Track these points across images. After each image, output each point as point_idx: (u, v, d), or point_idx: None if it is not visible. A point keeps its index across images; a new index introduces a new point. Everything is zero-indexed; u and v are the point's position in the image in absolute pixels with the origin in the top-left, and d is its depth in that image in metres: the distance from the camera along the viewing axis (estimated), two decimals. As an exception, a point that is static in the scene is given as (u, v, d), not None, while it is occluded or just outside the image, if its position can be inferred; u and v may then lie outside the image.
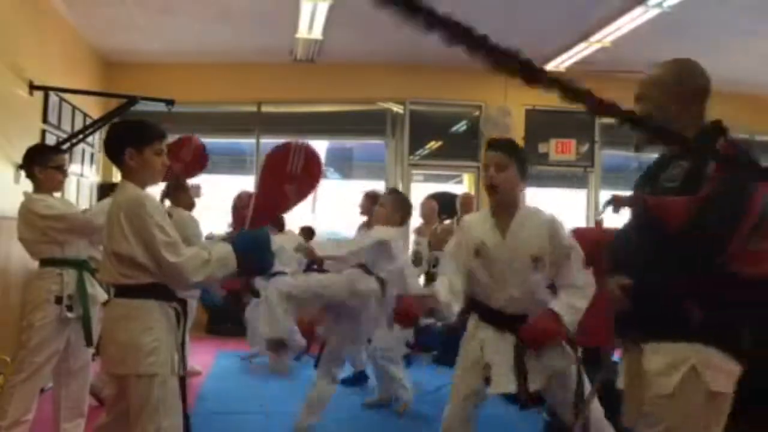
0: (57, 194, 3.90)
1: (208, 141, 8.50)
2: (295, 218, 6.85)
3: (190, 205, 5.37)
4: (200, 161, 4.68)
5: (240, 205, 6.27)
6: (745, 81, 8.82)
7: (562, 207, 7.83)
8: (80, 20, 6.93)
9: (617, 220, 2.32)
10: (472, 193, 8.72)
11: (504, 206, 2.97)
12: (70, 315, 3.57)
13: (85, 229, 3.59)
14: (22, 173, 3.80)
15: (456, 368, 3.02)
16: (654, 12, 6.48)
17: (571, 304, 2.84)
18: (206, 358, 6.55)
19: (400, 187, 9.03)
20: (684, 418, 1.88)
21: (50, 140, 5.96)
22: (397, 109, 9.12)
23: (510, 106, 8.91)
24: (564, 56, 8.07)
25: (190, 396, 3.21)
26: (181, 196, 5.23)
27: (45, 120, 6.04)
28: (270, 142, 9.32)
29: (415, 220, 6.84)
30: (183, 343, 2.66)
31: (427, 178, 9.89)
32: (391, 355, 5.03)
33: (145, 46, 7.89)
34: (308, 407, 4.10)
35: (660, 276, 1.93)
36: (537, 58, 8.27)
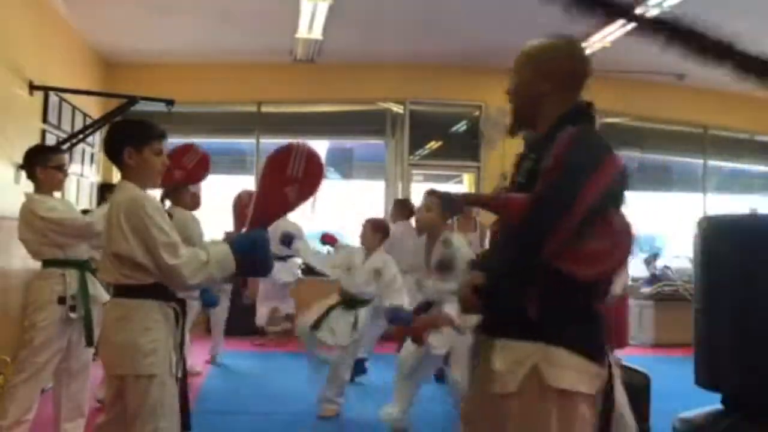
0: (57, 194, 3.90)
1: (208, 141, 8.54)
2: (298, 218, 6.85)
3: (194, 205, 5.37)
4: (202, 169, 4.69)
5: (240, 205, 6.27)
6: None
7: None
8: (80, 20, 6.93)
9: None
10: (472, 193, 8.72)
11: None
12: (73, 315, 3.58)
13: (84, 234, 3.60)
14: (23, 173, 3.80)
15: None
16: (654, 12, 6.47)
17: None
18: (206, 358, 6.55)
19: (400, 187, 9.04)
20: (528, 417, 1.79)
21: (50, 140, 5.96)
22: (397, 109, 9.12)
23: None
24: (564, 56, 8.06)
25: (189, 396, 3.21)
26: (182, 196, 5.22)
27: (45, 120, 6.04)
28: (270, 142, 9.33)
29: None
30: (182, 343, 2.66)
31: (427, 178, 9.88)
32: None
33: (145, 46, 7.89)
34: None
35: (503, 273, 1.85)
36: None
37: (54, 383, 3.79)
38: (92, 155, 7.57)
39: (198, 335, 6.82)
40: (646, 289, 8.60)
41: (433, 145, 9.42)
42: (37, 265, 3.73)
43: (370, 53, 8.24)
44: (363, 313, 4.81)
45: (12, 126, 5.26)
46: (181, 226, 4.00)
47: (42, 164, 3.65)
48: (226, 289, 6.26)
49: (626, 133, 9.65)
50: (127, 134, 2.66)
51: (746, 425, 3.60)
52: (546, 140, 1.88)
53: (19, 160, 3.84)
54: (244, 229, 2.64)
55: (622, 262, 1.85)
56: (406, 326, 3.98)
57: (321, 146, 9.67)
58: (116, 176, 2.76)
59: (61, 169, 3.73)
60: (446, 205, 2.36)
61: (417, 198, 8.45)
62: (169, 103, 5.84)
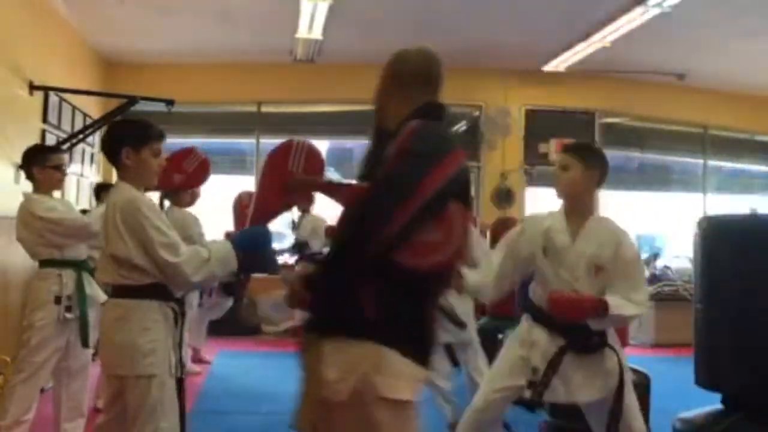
0: (57, 194, 3.89)
1: (208, 141, 8.55)
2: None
3: (192, 200, 5.36)
4: (202, 173, 4.69)
5: (240, 205, 6.27)
6: (745, 81, 8.83)
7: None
8: (80, 20, 6.93)
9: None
10: (472, 193, 8.71)
11: (575, 210, 2.93)
12: (69, 316, 3.57)
13: (81, 234, 3.59)
14: (23, 173, 3.80)
15: (499, 361, 3.01)
16: (654, 12, 6.47)
17: (620, 306, 2.75)
18: (206, 358, 6.55)
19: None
20: (358, 426, 1.71)
21: (50, 140, 5.96)
22: (397, 109, 9.10)
23: (510, 106, 8.91)
24: (564, 56, 8.07)
25: (189, 396, 3.22)
26: (181, 196, 5.22)
27: (45, 120, 6.04)
28: (270, 142, 9.32)
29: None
30: (180, 343, 2.66)
31: (427, 178, 9.87)
32: None
33: (145, 46, 7.89)
34: None
35: (336, 265, 1.77)
36: (537, 58, 8.30)
37: (54, 383, 3.79)
38: (92, 155, 7.57)
39: (198, 335, 6.82)
40: (646, 289, 8.59)
41: (433, 145, 9.40)
42: (36, 265, 3.73)
43: (370, 53, 8.18)
44: None
45: (12, 126, 5.26)
46: (180, 225, 4.01)
47: (40, 164, 3.65)
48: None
49: (626, 133, 9.66)
50: (126, 134, 2.66)
51: (746, 425, 3.59)
52: (393, 135, 1.86)
53: (19, 160, 3.83)
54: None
55: (455, 255, 1.78)
56: None
57: (321, 146, 9.65)
58: (116, 176, 2.76)
59: (60, 169, 3.72)
60: (292, 188, 2.34)
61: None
62: (169, 103, 5.84)
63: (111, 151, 2.65)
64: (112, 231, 2.50)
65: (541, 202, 8.78)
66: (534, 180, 9.15)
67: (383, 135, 1.95)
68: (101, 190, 5.33)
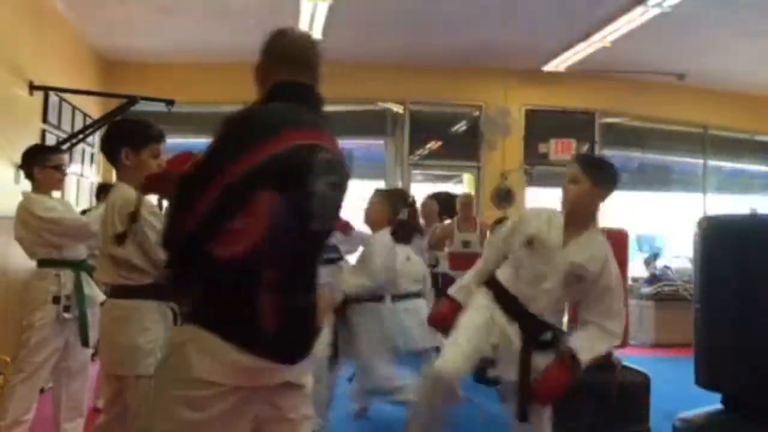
0: (57, 194, 3.89)
1: (208, 141, 8.53)
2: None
3: None
4: None
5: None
6: (745, 81, 8.83)
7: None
8: (80, 20, 6.93)
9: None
10: (472, 193, 8.71)
11: (576, 219, 2.93)
12: (67, 316, 3.57)
13: (80, 234, 3.59)
14: (23, 173, 3.80)
15: (460, 324, 3.02)
16: (654, 12, 6.47)
17: (592, 348, 2.83)
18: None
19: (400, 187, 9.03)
20: (146, 401, 1.75)
21: (50, 140, 5.96)
22: (397, 109, 9.12)
23: (510, 106, 8.91)
24: (564, 56, 8.07)
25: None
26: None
27: (45, 120, 6.04)
28: (270, 142, 9.32)
29: (415, 220, 6.82)
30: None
31: (427, 178, 9.88)
32: None
33: (145, 45, 7.88)
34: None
35: (170, 256, 1.79)
36: (537, 58, 8.30)
37: (53, 383, 3.79)
38: (92, 155, 7.57)
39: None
40: (646, 289, 8.60)
41: (433, 145, 9.41)
42: (35, 265, 3.72)
43: (370, 53, 8.24)
44: None
45: (12, 126, 5.26)
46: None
47: (40, 164, 3.65)
48: None
49: (626, 133, 9.66)
50: (126, 135, 2.66)
51: (746, 425, 3.59)
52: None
53: (19, 160, 3.83)
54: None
55: (259, 243, 1.68)
56: None
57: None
58: (115, 177, 2.76)
59: (59, 169, 3.72)
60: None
61: (417, 198, 8.46)
62: (169, 103, 5.84)
63: (110, 151, 2.65)
64: (111, 231, 2.50)
65: (541, 202, 8.79)
66: (534, 180, 9.15)
67: None
68: (102, 191, 5.33)
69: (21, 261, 4.29)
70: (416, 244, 5.33)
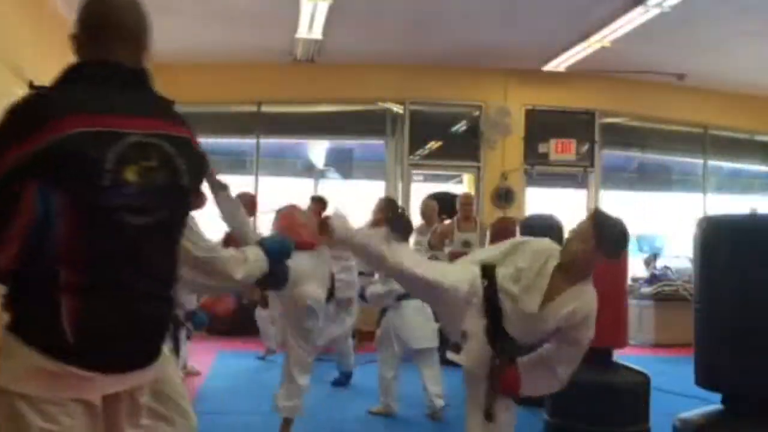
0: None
1: (208, 141, 8.53)
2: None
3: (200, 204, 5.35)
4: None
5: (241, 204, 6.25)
6: (745, 81, 8.83)
7: (562, 207, 7.83)
8: (80, 20, 6.93)
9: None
10: (472, 193, 8.72)
11: (571, 269, 2.92)
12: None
13: None
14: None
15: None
16: (654, 12, 6.48)
17: (535, 378, 2.95)
18: (206, 358, 6.55)
19: (400, 187, 9.04)
20: None
21: (50, 140, 5.96)
22: (397, 109, 9.12)
23: (510, 106, 8.91)
24: (564, 56, 8.07)
25: (190, 396, 3.20)
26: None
27: (45, 120, 6.04)
28: (270, 142, 9.34)
29: (415, 220, 6.83)
30: (177, 344, 2.65)
31: (427, 178, 9.88)
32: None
33: (144, 46, 7.88)
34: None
35: None
36: (537, 58, 8.30)
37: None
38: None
39: (198, 336, 6.82)
40: (646, 289, 8.60)
41: (433, 145, 9.41)
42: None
43: (370, 53, 8.24)
44: None
45: (12, 126, 5.25)
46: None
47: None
48: None
49: (626, 133, 9.67)
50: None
51: (746, 425, 3.59)
52: None
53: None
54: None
55: (27, 244, 1.52)
56: None
57: (321, 146, 9.69)
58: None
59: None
60: None
61: (417, 198, 8.47)
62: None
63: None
64: None
65: (541, 202, 8.80)
66: (534, 180, 9.16)
67: None
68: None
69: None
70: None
